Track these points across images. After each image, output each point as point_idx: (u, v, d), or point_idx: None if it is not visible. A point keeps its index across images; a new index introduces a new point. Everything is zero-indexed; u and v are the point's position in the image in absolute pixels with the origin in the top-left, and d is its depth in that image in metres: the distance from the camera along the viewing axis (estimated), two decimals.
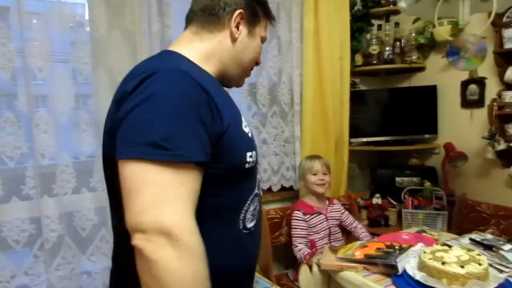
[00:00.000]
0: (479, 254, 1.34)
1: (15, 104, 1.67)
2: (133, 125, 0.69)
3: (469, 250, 1.40)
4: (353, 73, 2.71)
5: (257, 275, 1.82)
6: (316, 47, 2.41)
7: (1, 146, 1.65)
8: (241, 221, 0.85)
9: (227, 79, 0.95)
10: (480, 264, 1.25)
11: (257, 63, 1.00)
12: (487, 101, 2.32)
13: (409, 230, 1.89)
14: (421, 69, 2.77)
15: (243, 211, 0.85)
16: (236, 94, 2.16)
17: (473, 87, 2.44)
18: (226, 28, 0.90)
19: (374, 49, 2.71)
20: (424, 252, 1.36)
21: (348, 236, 2.23)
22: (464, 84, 2.49)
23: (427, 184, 2.43)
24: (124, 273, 0.80)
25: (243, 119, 0.87)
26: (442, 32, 2.37)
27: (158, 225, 0.63)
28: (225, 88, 0.93)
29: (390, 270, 1.38)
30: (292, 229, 2.04)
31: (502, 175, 2.31)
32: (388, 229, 2.37)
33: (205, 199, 0.74)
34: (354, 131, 2.63)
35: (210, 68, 0.89)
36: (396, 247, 1.46)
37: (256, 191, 0.89)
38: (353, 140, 2.67)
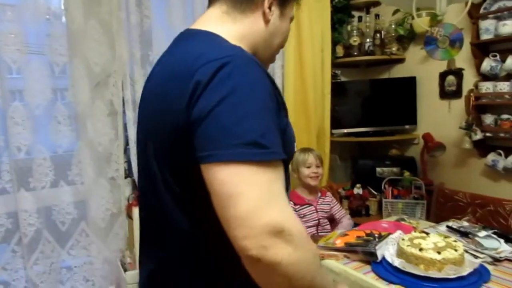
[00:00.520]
0: (455, 241, 1.38)
1: None
2: (224, 124, 0.63)
3: (445, 237, 1.44)
4: (334, 65, 2.73)
5: None
6: (297, 38, 2.41)
7: None
8: None
9: None
10: (456, 250, 1.28)
11: (282, 46, 0.94)
12: (465, 92, 2.37)
13: (388, 219, 1.93)
14: (401, 60, 2.81)
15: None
16: None
17: (451, 78, 2.49)
18: (259, 8, 0.84)
19: (354, 40, 2.73)
20: (403, 240, 1.39)
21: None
22: (442, 76, 2.53)
23: (407, 174, 2.47)
24: (174, 273, 0.79)
25: None
26: (421, 23, 2.41)
27: (271, 226, 0.60)
28: None
29: (370, 258, 1.41)
30: None
31: (478, 164, 2.37)
32: (369, 219, 2.41)
33: None
34: (336, 122, 2.66)
35: None
36: (376, 235, 1.49)
37: None
38: (334, 131, 2.69)
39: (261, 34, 0.85)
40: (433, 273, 1.23)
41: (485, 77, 2.25)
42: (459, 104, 2.41)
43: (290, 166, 2.05)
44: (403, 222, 1.83)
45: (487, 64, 2.18)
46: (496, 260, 1.41)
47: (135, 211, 1.76)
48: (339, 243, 1.48)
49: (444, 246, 1.32)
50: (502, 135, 2.18)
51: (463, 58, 2.38)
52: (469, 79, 2.37)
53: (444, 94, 2.54)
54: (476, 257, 1.43)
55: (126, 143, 2.06)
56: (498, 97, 2.17)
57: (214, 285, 0.77)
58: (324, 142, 2.55)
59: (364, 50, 2.75)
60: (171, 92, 0.72)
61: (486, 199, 2.20)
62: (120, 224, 1.95)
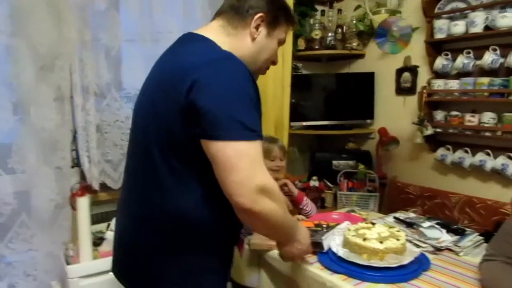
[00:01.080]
0: (398, 231, 1.41)
1: None
2: (229, 113, 0.87)
3: (390, 227, 1.47)
4: (295, 58, 2.72)
5: None
6: None
7: None
8: None
9: None
10: (398, 240, 1.31)
11: (273, 62, 1.15)
12: (419, 89, 2.43)
13: (340, 210, 1.96)
14: (361, 56, 2.85)
15: None
16: None
17: (406, 75, 2.55)
18: (248, 27, 1.04)
19: (316, 34, 2.74)
20: (349, 230, 1.41)
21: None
22: (399, 72, 2.59)
23: (362, 167, 2.52)
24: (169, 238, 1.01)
25: None
26: (379, 19, 2.44)
27: (260, 186, 0.88)
28: None
29: (317, 248, 1.41)
30: None
31: (429, 158, 2.45)
32: (324, 210, 2.42)
33: None
34: (295, 115, 2.66)
35: None
36: (324, 226, 1.50)
37: None
38: (293, 123, 2.70)
39: (248, 49, 1.05)
40: (375, 262, 1.25)
41: (437, 75, 2.32)
42: (413, 100, 2.47)
43: None
44: (353, 213, 1.85)
45: (439, 62, 2.25)
46: (437, 249, 1.46)
47: (80, 202, 1.68)
48: None
49: (388, 236, 1.35)
50: (451, 131, 2.26)
51: (418, 56, 2.44)
52: (423, 76, 2.43)
53: (400, 90, 2.60)
54: (418, 246, 1.47)
55: (75, 131, 1.97)
56: (448, 94, 2.24)
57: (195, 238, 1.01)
58: (282, 134, 2.54)
59: (326, 44, 2.77)
60: (174, 83, 0.91)
61: (434, 192, 2.28)
62: (65, 215, 1.86)
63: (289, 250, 1.17)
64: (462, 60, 2.12)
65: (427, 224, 1.60)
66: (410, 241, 1.47)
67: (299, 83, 2.69)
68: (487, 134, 2.07)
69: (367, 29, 2.71)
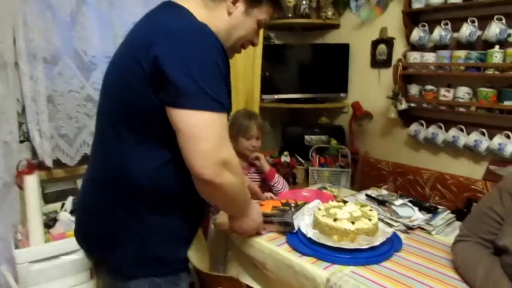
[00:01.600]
0: (371, 210, 1.35)
1: None
2: (196, 82, 0.86)
3: (362, 205, 1.41)
4: (267, 27, 2.57)
5: None
6: None
7: None
8: None
9: None
10: (370, 220, 1.25)
11: (252, 43, 1.12)
12: (394, 62, 2.35)
13: (310, 187, 1.88)
14: (336, 26, 2.73)
15: None
16: None
17: (382, 47, 2.46)
18: (225, 1, 1.01)
19: (290, 1, 2.59)
20: (319, 209, 1.33)
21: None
22: (374, 44, 2.50)
23: (334, 142, 2.45)
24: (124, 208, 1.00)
25: None
26: None
27: (223, 160, 0.89)
28: None
29: (286, 228, 1.34)
30: None
31: (402, 134, 2.40)
32: (295, 187, 2.37)
33: None
34: (266, 88, 2.54)
35: None
36: (292, 204, 1.41)
37: None
38: (265, 96, 2.58)
39: (223, 23, 1.02)
40: (346, 244, 1.18)
41: (413, 47, 2.24)
42: (388, 74, 2.39)
43: (231, 130, 1.78)
44: (324, 191, 1.79)
45: (416, 34, 2.16)
46: (409, 228, 1.41)
47: (28, 180, 1.52)
48: None
49: (359, 216, 1.28)
50: (425, 105, 2.21)
51: (394, 28, 2.35)
52: (399, 49, 2.35)
53: (375, 63, 2.52)
54: (390, 225, 1.41)
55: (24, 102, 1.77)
56: (423, 68, 2.17)
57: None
58: (253, 108, 2.42)
59: (300, 12, 2.63)
60: (144, 50, 0.89)
61: (406, 168, 2.25)
62: (14, 195, 1.70)
63: (240, 225, 1.23)
64: (440, 32, 2.04)
65: (399, 202, 1.54)
66: (382, 220, 1.42)
67: (271, 54, 2.55)
68: (461, 109, 2.03)
69: None
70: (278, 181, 1.89)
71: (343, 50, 2.64)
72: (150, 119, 0.93)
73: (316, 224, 1.28)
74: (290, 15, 2.61)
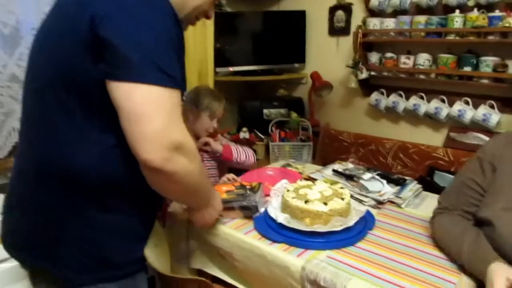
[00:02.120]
0: (342, 187, 1.27)
1: None
2: (137, 50, 0.73)
3: (332, 183, 1.33)
4: None
5: None
6: None
7: None
8: None
9: None
10: (343, 199, 1.17)
11: (207, 16, 1.01)
12: (353, 29, 2.26)
13: (274, 165, 1.78)
14: None
15: None
16: None
17: (340, 13, 2.35)
18: None
19: None
20: (288, 191, 1.23)
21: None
22: (332, 10, 2.38)
23: (294, 115, 2.35)
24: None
25: None
26: None
27: (174, 143, 0.75)
28: None
29: (248, 213, 1.23)
30: None
31: (363, 104, 2.35)
32: (256, 163, 2.26)
33: None
34: (220, 60, 2.36)
35: None
36: (247, 187, 1.30)
37: None
38: (219, 69, 2.40)
39: None
40: (319, 227, 1.10)
41: (373, 13, 2.15)
42: (347, 42, 2.30)
43: (193, 107, 1.55)
44: (289, 168, 1.69)
45: None
46: (379, 203, 1.36)
47: None
48: None
49: (331, 195, 1.20)
50: (385, 74, 2.15)
51: None
52: (358, 15, 2.26)
53: (333, 30, 2.41)
54: (361, 201, 1.35)
55: None
56: (384, 35, 2.10)
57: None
58: (207, 82, 2.25)
59: None
60: (78, 14, 0.76)
61: (368, 139, 2.21)
62: None
63: (201, 216, 1.08)
64: None
65: (367, 175, 1.48)
66: (352, 196, 1.35)
67: (222, 23, 2.36)
68: (422, 76, 1.99)
69: None
70: (239, 154, 1.72)
71: (299, 17, 2.50)
72: (90, 95, 0.79)
73: (286, 207, 1.18)
74: None
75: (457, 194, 1.05)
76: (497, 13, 1.69)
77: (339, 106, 2.48)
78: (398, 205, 1.36)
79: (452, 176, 1.70)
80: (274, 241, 1.11)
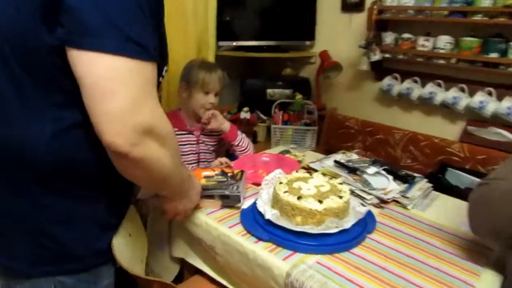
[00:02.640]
0: (341, 183, 1.13)
1: None
2: (99, 12, 0.62)
3: (332, 176, 1.19)
4: None
5: None
6: None
7: None
8: None
9: None
10: (341, 198, 1.03)
11: None
12: (368, 5, 2.06)
13: (270, 151, 1.64)
14: None
15: None
16: None
17: None
18: None
19: None
20: (280, 183, 1.09)
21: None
22: None
23: (299, 97, 2.19)
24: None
25: None
26: None
27: (143, 125, 0.66)
28: None
29: (228, 202, 1.12)
30: None
31: (373, 88, 2.18)
32: (256, 146, 2.12)
33: None
34: (223, 33, 2.20)
35: None
36: (229, 174, 1.17)
37: None
38: (222, 43, 2.24)
39: None
40: (311, 228, 0.97)
41: None
42: (361, 19, 2.12)
43: (184, 83, 1.41)
44: (287, 155, 1.55)
45: None
46: (382, 202, 1.22)
47: None
48: None
49: (328, 191, 1.06)
50: (400, 56, 1.98)
51: None
52: None
53: (346, 6, 2.22)
54: (362, 198, 1.22)
55: None
56: (401, 12, 1.91)
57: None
58: (207, 56, 2.09)
59: None
60: None
61: (377, 127, 2.05)
62: None
63: (173, 206, 1.00)
64: None
65: (372, 170, 1.34)
66: (353, 192, 1.21)
67: None
68: (441, 62, 1.81)
69: None
70: (242, 139, 1.60)
71: None
72: (45, 67, 0.69)
73: (276, 201, 1.05)
74: None
75: None
76: None
77: (347, 89, 2.31)
78: (404, 206, 1.22)
79: (466, 175, 1.55)
80: (260, 239, 0.99)
